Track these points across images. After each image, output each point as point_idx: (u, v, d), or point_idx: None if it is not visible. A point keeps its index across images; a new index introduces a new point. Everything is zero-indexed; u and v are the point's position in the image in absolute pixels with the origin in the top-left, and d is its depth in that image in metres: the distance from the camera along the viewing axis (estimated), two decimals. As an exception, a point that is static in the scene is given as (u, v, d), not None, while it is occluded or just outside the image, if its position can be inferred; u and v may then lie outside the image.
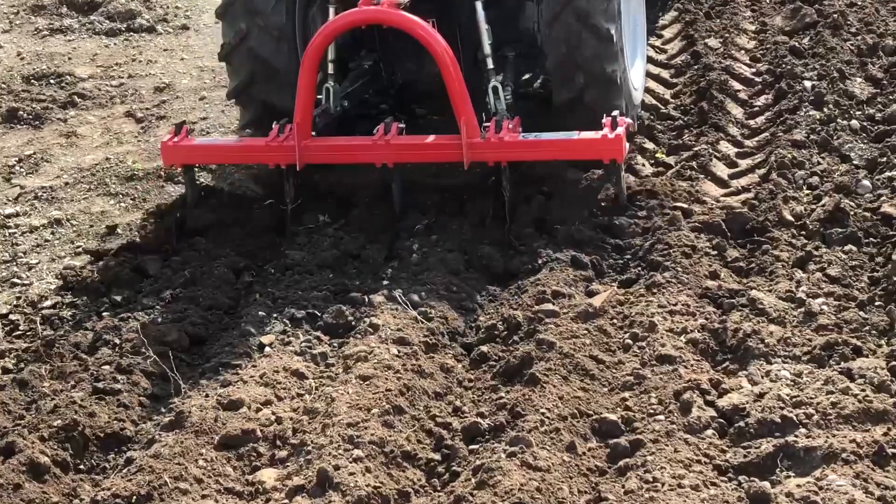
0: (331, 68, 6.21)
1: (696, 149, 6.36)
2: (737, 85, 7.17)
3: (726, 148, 6.45)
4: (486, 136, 5.72)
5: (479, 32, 6.02)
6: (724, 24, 8.04)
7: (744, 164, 6.28)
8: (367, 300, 5.07)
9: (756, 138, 6.56)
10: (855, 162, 5.98)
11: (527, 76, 6.70)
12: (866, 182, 5.70)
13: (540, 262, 5.28)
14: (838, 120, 6.34)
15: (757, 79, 7.24)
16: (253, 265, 5.63)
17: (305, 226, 5.87)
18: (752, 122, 6.77)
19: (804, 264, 5.09)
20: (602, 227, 5.56)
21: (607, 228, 5.55)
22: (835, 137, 6.16)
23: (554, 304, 4.90)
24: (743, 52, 7.68)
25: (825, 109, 6.47)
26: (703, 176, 6.11)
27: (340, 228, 5.81)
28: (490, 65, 6.06)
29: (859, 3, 7.90)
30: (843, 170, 5.88)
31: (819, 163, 5.96)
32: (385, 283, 5.24)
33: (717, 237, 5.38)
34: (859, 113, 6.46)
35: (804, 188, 5.76)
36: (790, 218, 5.45)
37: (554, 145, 5.78)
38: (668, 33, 8.22)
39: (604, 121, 5.71)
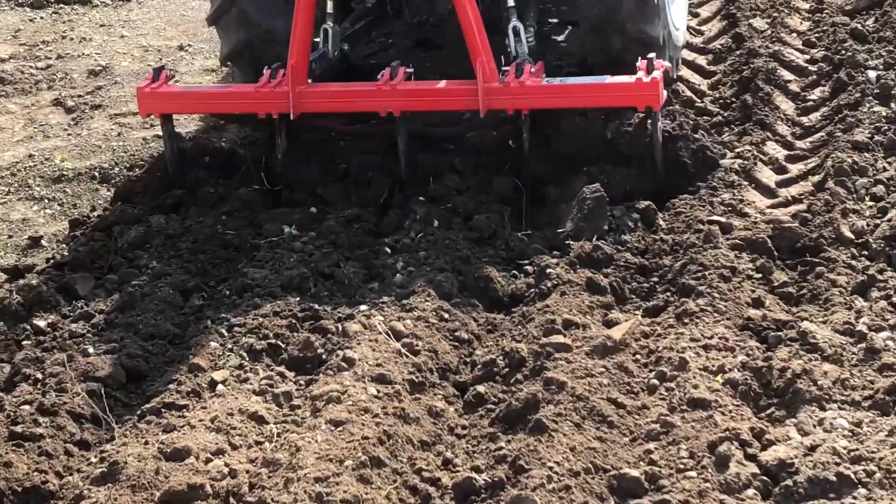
0: (330, 6, 6.47)
1: (737, 150, 6.38)
2: (787, 74, 7.20)
3: (774, 150, 6.47)
4: (506, 81, 6.00)
5: None
6: (773, 1, 8.07)
7: (795, 169, 6.30)
8: (340, 329, 5.08)
9: (809, 139, 6.58)
10: (928, 168, 6.01)
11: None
12: (942, 192, 5.74)
13: (549, 284, 5.29)
14: (909, 117, 6.39)
15: (811, 67, 7.27)
16: (204, 285, 5.64)
17: (267, 238, 5.89)
18: (804, 119, 6.80)
19: (866, 291, 5.09)
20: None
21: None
22: (904, 138, 6.20)
23: (565, 335, 4.90)
24: (795, 34, 7.71)
25: (893, 105, 6.50)
26: (745, 183, 6.13)
27: (310, 242, 5.82)
28: (510, 2, 6.31)
29: (935, -23, 7.95)
30: (913, 177, 5.91)
31: (885, 169, 5.98)
32: (363, 308, 5.25)
33: (762, 257, 5.39)
34: (934, 109, 6.50)
35: (867, 199, 5.78)
36: (850, 235, 5.46)
37: (582, 90, 6.07)
38: (704, 12, 8.25)
39: (638, 63, 6.00)
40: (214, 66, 7.53)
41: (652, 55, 6.09)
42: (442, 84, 6.23)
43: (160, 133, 7.01)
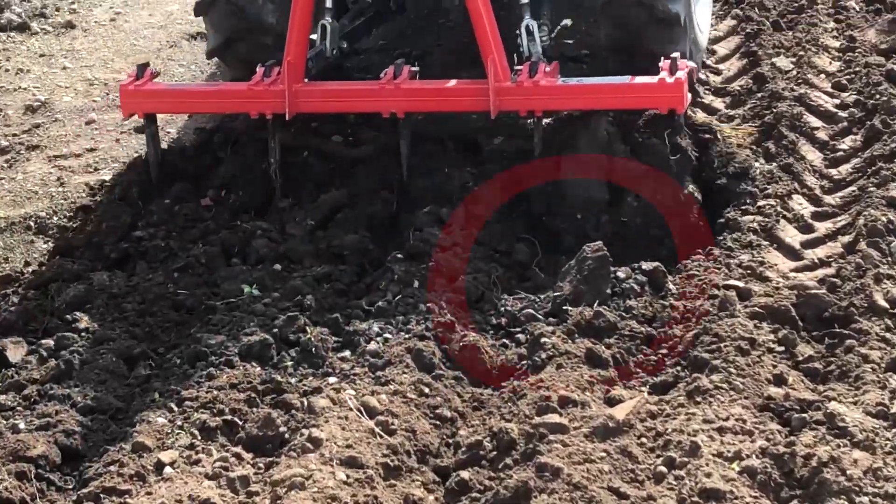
0: (329, 1, 6.85)
1: (758, 205, 6.41)
2: (814, 120, 7.24)
3: (799, 205, 6.50)
4: (518, 81, 6.34)
5: None
6: (799, 39, 8.13)
7: (822, 227, 6.33)
8: (306, 404, 5.06)
9: (839, 193, 6.62)
10: (972, 229, 6.04)
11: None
12: None
13: (544, 355, 5.30)
14: (950, 171, 6.43)
15: (842, 113, 7.31)
16: (152, 352, 5.64)
17: (225, 299, 5.88)
18: (834, 171, 6.83)
19: (902, 367, 5.12)
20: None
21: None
22: (945, 195, 6.24)
23: (562, 414, 4.90)
24: (823, 76, 7.76)
25: (933, 156, 6.55)
26: (767, 243, 6.15)
27: (273, 303, 5.81)
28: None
29: (980, 13, 8.04)
30: (955, 239, 5.94)
31: (923, 229, 6.02)
32: (332, 380, 5.25)
33: (785, 328, 5.40)
34: (979, 162, 6.54)
35: (903, 263, 5.81)
36: (884, 304, 5.48)
37: (601, 91, 6.41)
38: (722, 49, 8.30)
39: (661, 63, 6.34)
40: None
41: (676, 55, 6.40)
42: (450, 83, 6.53)
43: (105, 178, 7.03)
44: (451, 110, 6.73)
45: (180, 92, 7.14)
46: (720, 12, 8.63)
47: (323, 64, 6.85)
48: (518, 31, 6.68)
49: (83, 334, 5.72)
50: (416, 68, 6.57)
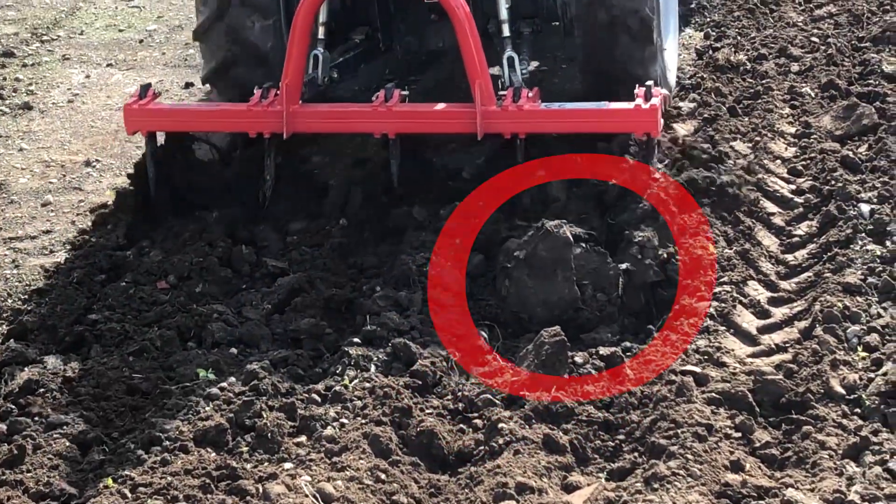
0: (321, 32, 7.48)
1: (714, 291, 6.43)
2: (770, 206, 7.30)
3: (756, 291, 6.53)
4: (504, 105, 6.89)
5: None
6: (755, 124, 8.21)
7: (779, 313, 6.36)
8: (261, 490, 5.02)
9: (795, 279, 6.65)
10: (928, 315, 6.08)
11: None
12: (943, 343, 5.80)
13: (501, 441, 5.28)
14: (905, 257, 6.47)
15: (797, 198, 7.38)
16: (106, 437, 5.58)
17: (180, 383, 5.85)
18: (790, 256, 6.88)
19: (859, 454, 5.11)
20: None
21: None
22: (901, 281, 6.28)
23: (519, 501, 4.89)
24: (779, 161, 7.84)
25: (888, 243, 6.61)
26: (723, 328, 6.17)
27: (229, 388, 5.79)
28: (506, 32, 7.36)
29: (934, 102, 8.14)
30: (911, 325, 5.97)
31: (879, 315, 6.05)
32: (288, 466, 5.21)
33: (742, 413, 5.41)
34: (934, 249, 6.59)
35: (859, 349, 5.82)
36: (840, 390, 5.50)
37: (580, 115, 6.95)
38: (680, 130, 8.37)
39: (636, 91, 6.90)
40: (124, 185, 7.59)
41: (650, 83, 6.96)
42: (439, 106, 7.06)
43: (61, 261, 7.01)
44: (439, 132, 7.23)
45: (182, 111, 7.58)
46: (676, 97, 8.70)
47: (314, 91, 7.40)
48: (500, 62, 7.34)
49: (36, 419, 5.66)
50: (405, 92, 7.09)
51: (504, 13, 7.39)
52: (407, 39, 8.37)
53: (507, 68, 7.28)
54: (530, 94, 6.98)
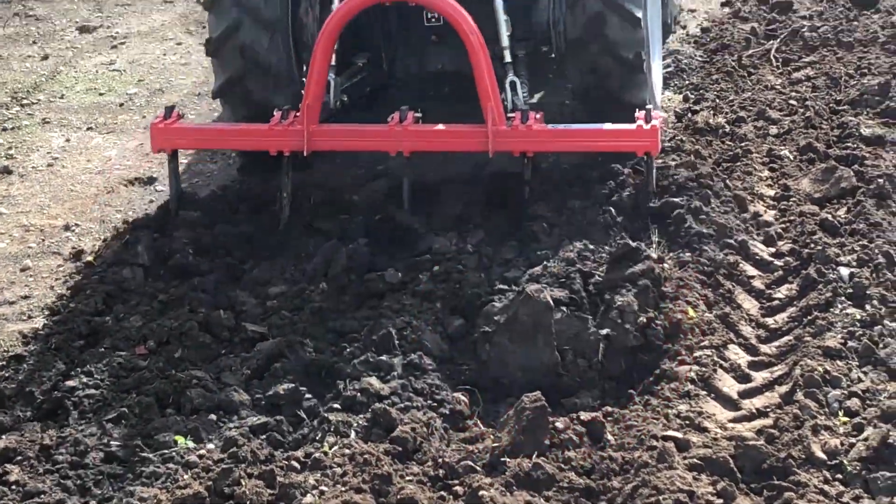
0: (332, 59, 7.84)
1: (695, 355, 6.42)
2: (750, 269, 7.31)
3: (736, 355, 6.52)
4: (513, 125, 7.51)
5: (497, 24, 7.98)
6: (734, 187, 8.23)
7: (759, 377, 6.35)
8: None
9: (776, 343, 6.65)
10: (908, 378, 6.08)
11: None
12: (924, 406, 5.79)
13: (481, 508, 5.26)
14: (885, 322, 6.47)
15: (777, 262, 7.39)
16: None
17: (158, 451, 5.82)
18: (770, 320, 6.88)
19: (841, 520, 5.11)
20: None
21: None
22: (881, 345, 6.27)
23: (499, 569, 4.86)
24: (758, 224, 7.84)
25: (868, 307, 6.60)
26: (704, 393, 6.15)
27: (207, 455, 5.75)
28: (508, 58, 7.99)
29: (912, 165, 8.16)
30: (892, 390, 5.96)
31: (860, 379, 6.04)
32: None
33: (724, 479, 5.39)
34: (914, 312, 6.60)
35: (840, 414, 5.82)
36: (822, 455, 5.49)
37: (585, 135, 7.64)
38: (660, 195, 8.40)
39: (637, 113, 7.51)
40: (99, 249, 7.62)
41: (649, 106, 7.61)
42: (453, 127, 7.64)
43: (39, 327, 6.98)
44: (453, 150, 7.88)
45: (205, 130, 8.34)
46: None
47: (327, 114, 7.92)
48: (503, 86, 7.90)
49: (13, 487, 5.62)
50: (419, 114, 7.64)
51: (505, 40, 7.99)
52: (407, 62, 9.06)
53: (509, 92, 7.96)
54: (537, 116, 7.57)
